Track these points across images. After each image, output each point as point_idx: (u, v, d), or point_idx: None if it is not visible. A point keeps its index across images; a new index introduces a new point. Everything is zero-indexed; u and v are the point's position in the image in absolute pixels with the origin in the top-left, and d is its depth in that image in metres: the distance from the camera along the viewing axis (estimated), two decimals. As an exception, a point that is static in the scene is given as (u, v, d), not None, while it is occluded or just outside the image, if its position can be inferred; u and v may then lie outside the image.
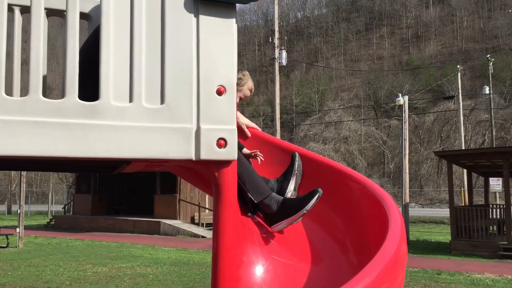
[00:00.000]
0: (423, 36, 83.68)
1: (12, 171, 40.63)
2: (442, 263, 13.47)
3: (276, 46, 22.79)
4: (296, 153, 3.11)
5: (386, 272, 2.08)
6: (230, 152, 2.24)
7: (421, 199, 49.59)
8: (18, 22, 2.73)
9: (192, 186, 21.72)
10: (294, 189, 3.01)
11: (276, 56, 22.80)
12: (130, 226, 24.12)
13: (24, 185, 18.55)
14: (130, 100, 2.12)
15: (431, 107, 58.39)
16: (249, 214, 2.89)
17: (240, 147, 3.08)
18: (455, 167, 20.33)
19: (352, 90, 68.51)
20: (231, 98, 2.27)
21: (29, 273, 11.46)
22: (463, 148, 33.05)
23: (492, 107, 38.56)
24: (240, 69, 3.18)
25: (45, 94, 2.07)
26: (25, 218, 20.08)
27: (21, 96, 2.07)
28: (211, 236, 2.52)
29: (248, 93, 3.21)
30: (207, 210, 23.91)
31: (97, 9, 2.35)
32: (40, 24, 2.00)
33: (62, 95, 2.05)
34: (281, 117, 26.55)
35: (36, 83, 1.98)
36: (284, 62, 23.71)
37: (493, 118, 38.11)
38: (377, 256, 2.12)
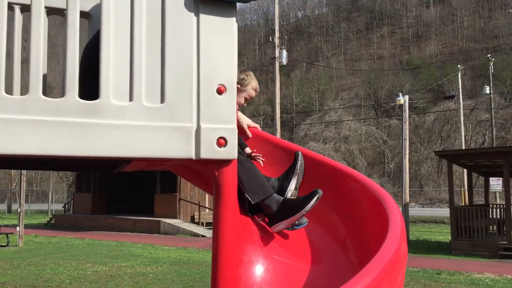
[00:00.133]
0: (423, 35, 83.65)
1: (12, 170, 40.65)
2: (442, 263, 13.47)
3: (276, 45, 22.78)
4: (299, 152, 3.10)
5: (386, 272, 2.08)
6: (230, 151, 2.24)
7: (421, 198, 49.60)
8: (18, 20, 2.73)
9: (192, 185, 21.73)
10: (295, 188, 3.00)
11: (276, 56, 22.80)
12: (130, 225, 24.13)
13: (24, 184, 18.56)
14: (130, 99, 2.11)
15: (432, 107, 58.39)
16: (249, 213, 2.88)
17: (243, 146, 3.08)
18: (455, 167, 20.33)
19: (353, 89, 68.52)
20: (231, 97, 2.27)
21: (29, 272, 11.46)
22: (463, 148, 33.04)
23: (493, 107, 38.58)
24: (243, 70, 3.17)
25: (45, 93, 2.07)
26: (25, 217, 20.10)
27: (21, 95, 2.06)
28: (211, 235, 2.52)
29: (253, 93, 3.17)
30: (207, 209, 23.92)
31: (98, 8, 2.35)
32: (40, 23, 1.99)
33: (62, 93, 2.05)
34: (281, 117, 26.55)
35: (36, 82, 1.97)
36: (284, 62, 23.72)
37: (493, 118, 38.11)
38: (377, 256, 2.12)
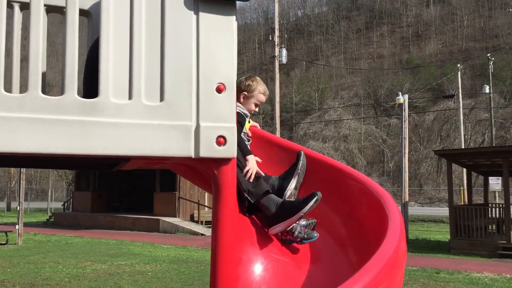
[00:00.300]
0: (423, 34, 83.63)
1: (12, 168, 40.65)
2: (441, 262, 13.48)
3: (276, 44, 22.77)
4: (302, 152, 3.10)
5: (385, 271, 2.08)
6: (230, 150, 2.23)
7: (420, 198, 49.63)
8: (17, 18, 2.72)
9: (192, 184, 21.70)
10: (295, 188, 2.99)
11: (276, 54, 22.79)
12: (129, 223, 24.13)
13: (24, 182, 18.55)
14: (130, 97, 2.11)
15: (431, 106, 58.39)
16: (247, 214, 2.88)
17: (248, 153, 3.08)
18: (454, 166, 20.32)
19: (352, 88, 68.50)
20: (231, 96, 2.27)
21: (28, 270, 11.46)
22: (463, 147, 33.05)
23: (492, 106, 38.58)
24: (248, 76, 3.16)
25: (44, 91, 2.07)
26: (24, 215, 20.09)
27: (20, 93, 2.06)
28: (210, 234, 2.52)
29: (262, 97, 3.14)
30: (206, 208, 23.92)
31: (97, 6, 2.34)
32: (39, 21, 1.99)
33: (61, 92, 2.04)
34: (281, 115, 26.53)
35: (36, 80, 1.97)
36: (284, 60, 23.71)
37: (493, 117, 38.12)
38: (376, 255, 2.12)
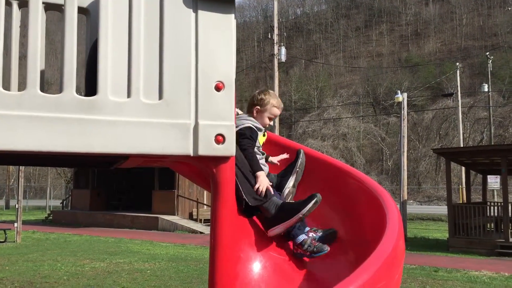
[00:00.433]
0: (422, 33, 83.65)
1: (10, 166, 40.60)
2: (439, 260, 13.50)
3: (275, 42, 22.76)
4: (302, 150, 3.10)
5: (384, 269, 2.08)
6: (228, 148, 2.23)
7: (419, 196, 49.67)
8: (16, 16, 2.71)
9: (191, 182, 21.68)
10: (293, 186, 3.00)
11: (275, 52, 22.78)
12: (128, 221, 24.13)
13: (22, 180, 18.53)
14: (128, 95, 2.11)
15: (430, 105, 58.41)
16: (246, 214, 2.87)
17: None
18: (453, 165, 20.35)
19: (351, 87, 68.51)
20: (230, 94, 2.26)
21: (26, 268, 11.46)
22: (462, 145, 33.07)
23: (491, 104, 38.61)
24: (261, 90, 3.13)
25: (43, 89, 2.06)
26: (23, 213, 20.07)
27: (19, 90, 2.05)
28: (209, 232, 2.52)
29: (275, 110, 3.08)
30: (205, 206, 23.91)
31: (96, 4, 2.34)
32: (38, 19, 1.99)
33: (60, 89, 2.04)
34: (280, 114, 26.52)
35: (34, 78, 1.97)
36: (283, 59, 23.72)
37: (491, 115, 38.17)
38: (375, 253, 2.13)
